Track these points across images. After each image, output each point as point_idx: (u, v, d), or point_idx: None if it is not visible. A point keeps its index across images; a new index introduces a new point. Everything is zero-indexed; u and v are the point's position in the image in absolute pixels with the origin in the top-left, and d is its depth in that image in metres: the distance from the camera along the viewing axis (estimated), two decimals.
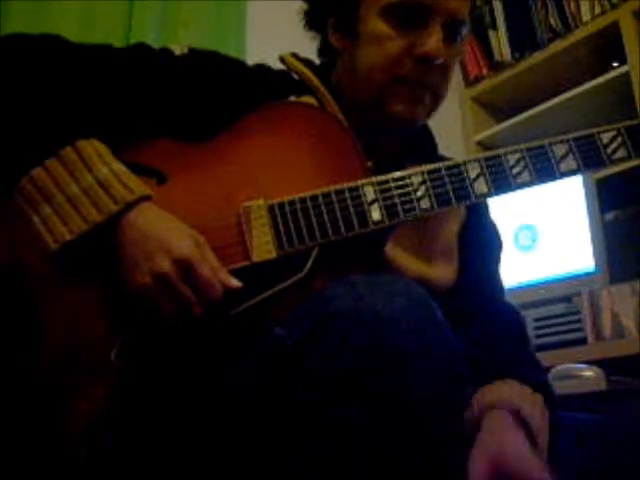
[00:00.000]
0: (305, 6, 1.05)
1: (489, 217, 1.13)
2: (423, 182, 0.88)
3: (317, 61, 1.07)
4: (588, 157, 0.89)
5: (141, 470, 0.77)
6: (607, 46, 2.22)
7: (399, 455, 0.69)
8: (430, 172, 0.88)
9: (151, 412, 0.78)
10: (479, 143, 2.53)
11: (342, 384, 0.69)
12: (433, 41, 0.93)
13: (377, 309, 0.70)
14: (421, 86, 0.96)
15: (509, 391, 0.89)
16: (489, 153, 0.90)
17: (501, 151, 0.90)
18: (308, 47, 1.06)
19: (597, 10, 2.24)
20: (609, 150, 0.89)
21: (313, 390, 0.71)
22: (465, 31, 0.99)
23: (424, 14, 0.93)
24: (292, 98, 0.98)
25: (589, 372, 1.63)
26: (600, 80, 2.22)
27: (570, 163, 0.89)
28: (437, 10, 0.93)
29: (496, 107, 2.60)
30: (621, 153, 0.89)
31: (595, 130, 0.90)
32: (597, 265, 1.99)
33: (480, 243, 1.08)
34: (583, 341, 1.87)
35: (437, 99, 0.99)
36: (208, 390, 0.79)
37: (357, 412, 0.69)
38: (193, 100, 0.94)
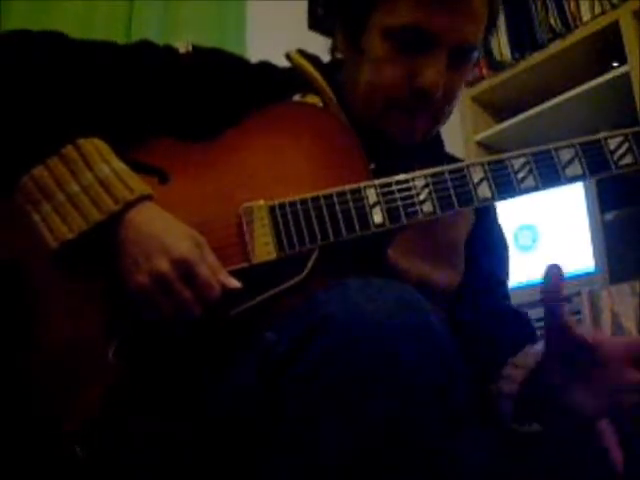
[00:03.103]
0: (313, 6, 1.04)
1: (497, 219, 1.13)
2: (426, 185, 0.87)
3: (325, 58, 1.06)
4: (594, 163, 0.88)
5: (140, 470, 0.77)
6: (607, 46, 2.21)
7: (391, 468, 0.66)
8: (433, 175, 0.87)
9: (149, 411, 0.78)
10: (479, 143, 2.53)
11: (331, 394, 0.67)
12: (431, 75, 0.90)
13: (369, 315, 0.68)
14: (418, 114, 0.94)
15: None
16: (493, 157, 0.89)
17: (505, 156, 0.88)
18: (308, 47, 1.06)
19: (597, 10, 2.24)
20: (616, 156, 0.88)
21: (300, 400, 0.69)
22: (477, 54, 0.95)
23: (428, 41, 0.90)
24: (297, 97, 0.97)
25: None
26: (600, 80, 2.22)
27: (576, 169, 0.88)
28: (443, 39, 0.90)
29: (496, 107, 2.59)
30: (628, 159, 0.88)
31: (602, 135, 0.89)
32: (597, 265, 1.99)
33: (488, 246, 1.07)
34: None
35: (437, 122, 0.98)
36: (206, 390, 0.79)
37: (344, 426, 0.66)
38: (197, 99, 0.94)
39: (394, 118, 0.95)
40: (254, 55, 1.09)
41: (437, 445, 0.69)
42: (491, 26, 0.97)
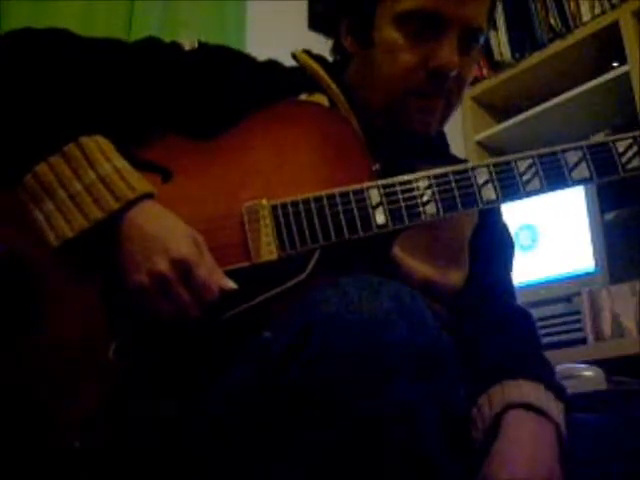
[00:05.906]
0: (313, 6, 1.04)
1: (501, 218, 1.13)
2: (429, 187, 0.87)
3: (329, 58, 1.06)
4: (602, 166, 0.87)
5: (137, 466, 0.77)
6: (607, 46, 2.21)
7: (387, 468, 0.67)
8: (437, 177, 0.87)
9: (148, 409, 0.78)
10: (479, 143, 2.53)
11: (327, 393, 0.67)
12: (447, 54, 0.91)
13: (364, 314, 0.68)
14: (434, 97, 0.95)
15: (528, 391, 0.90)
16: (499, 159, 0.88)
17: (511, 157, 0.87)
18: (308, 47, 1.06)
19: (597, 10, 2.24)
20: (624, 159, 0.87)
21: (297, 399, 0.69)
22: (482, 38, 0.97)
23: (439, 24, 0.92)
24: (304, 96, 0.97)
25: (589, 372, 1.63)
26: (600, 80, 2.22)
27: (583, 171, 0.87)
28: (453, 20, 0.91)
29: (496, 107, 2.59)
30: (636, 162, 0.87)
31: (610, 138, 0.88)
32: (597, 265, 1.99)
33: (492, 245, 1.07)
34: (583, 341, 1.87)
35: (450, 108, 0.99)
36: (205, 389, 0.79)
37: (342, 425, 0.66)
38: (202, 96, 0.94)
39: (412, 106, 0.95)
40: (254, 55, 1.09)
41: (433, 450, 0.69)
42: (492, 11, 0.99)
